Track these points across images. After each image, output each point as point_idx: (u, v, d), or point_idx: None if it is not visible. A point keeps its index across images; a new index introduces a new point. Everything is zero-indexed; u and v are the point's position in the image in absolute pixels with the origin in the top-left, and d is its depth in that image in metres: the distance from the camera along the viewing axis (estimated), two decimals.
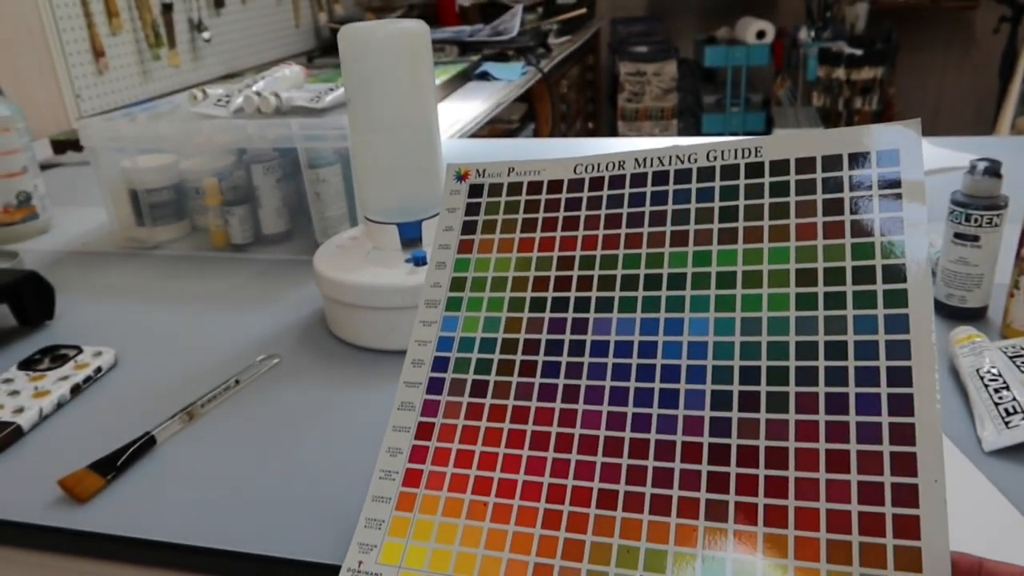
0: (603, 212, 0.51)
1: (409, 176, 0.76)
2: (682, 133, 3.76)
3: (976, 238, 0.68)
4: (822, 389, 0.40)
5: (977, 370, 0.59)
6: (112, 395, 0.68)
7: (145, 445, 0.59)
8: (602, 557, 0.40)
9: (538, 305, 0.49)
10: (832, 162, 0.45)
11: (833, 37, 3.19)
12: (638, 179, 0.51)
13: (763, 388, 0.41)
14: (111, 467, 0.57)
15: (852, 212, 0.44)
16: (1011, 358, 0.61)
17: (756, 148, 0.49)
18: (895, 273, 0.41)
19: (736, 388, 0.42)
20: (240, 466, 0.58)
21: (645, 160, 0.51)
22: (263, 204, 0.98)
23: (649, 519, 0.40)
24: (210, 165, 1.00)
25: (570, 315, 0.48)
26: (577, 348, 0.47)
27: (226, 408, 0.65)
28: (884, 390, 0.39)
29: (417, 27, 0.74)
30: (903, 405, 0.38)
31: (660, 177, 0.50)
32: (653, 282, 0.47)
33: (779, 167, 0.47)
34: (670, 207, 0.49)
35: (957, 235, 0.69)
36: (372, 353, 0.72)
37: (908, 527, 0.36)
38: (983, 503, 0.49)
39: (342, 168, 0.94)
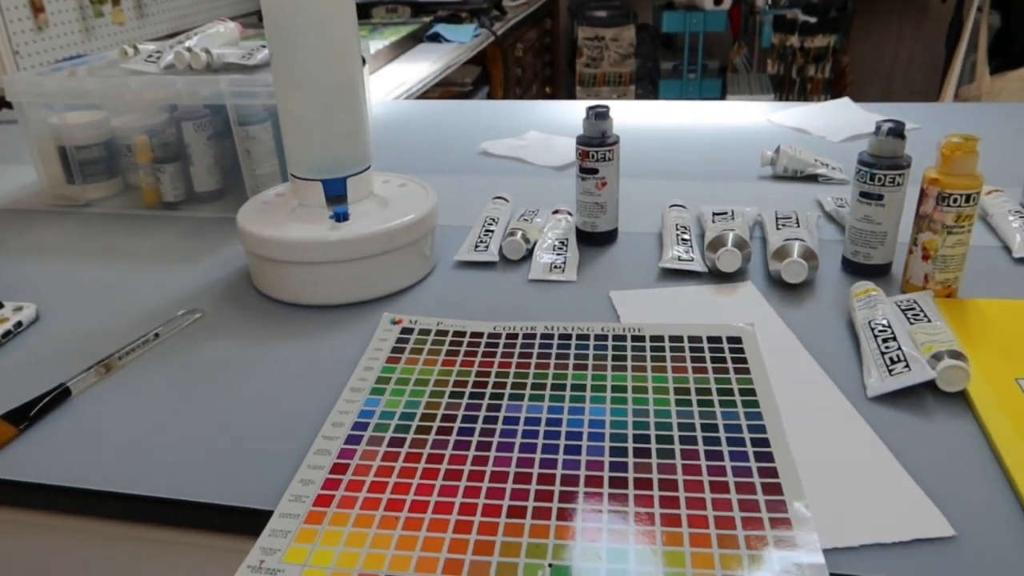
0: (516, 351, 0.63)
1: (333, 134, 0.76)
2: (640, 99, 3.76)
3: (880, 197, 0.70)
4: (701, 448, 0.52)
5: (869, 322, 0.62)
6: (31, 350, 0.68)
7: (60, 396, 0.60)
8: (512, 551, 0.44)
9: (456, 395, 0.58)
10: (695, 339, 0.64)
11: (789, 4, 3.20)
12: (547, 337, 0.65)
13: (653, 446, 0.52)
14: (24, 417, 0.57)
15: (712, 362, 0.61)
16: (903, 311, 0.64)
17: (638, 328, 0.66)
18: (748, 392, 0.57)
19: (631, 445, 0.52)
20: (156, 416, 0.59)
21: (553, 327, 0.66)
22: (195, 162, 0.97)
23: (557, 524, 0.46)
24: (141, 122, 0.99)
25: (485, 401, 0.57)
26: (490, 420, 0.55)
27: (145, 361, 0.66)
28: (750, 449, 0.51)
29: None
30: (766, 458, 0.51)
31: (565, 337, 0.65)
32: (558, 387, 0.59)
33: (656, 339, 0.64)
34: (572, 352, 0.63)
35: (863, 194, 0.71)
36: (295, 307, 0.73)
37: (782, 523, 0.46)
38: (862, 446, 0.52)
39: (272, 126, 0.93)
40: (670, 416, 0.55)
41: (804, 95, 3.06)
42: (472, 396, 0.58)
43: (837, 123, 1.22)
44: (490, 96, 2.61)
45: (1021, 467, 0.48)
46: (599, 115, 0.78)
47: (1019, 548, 0.44)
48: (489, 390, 0.59)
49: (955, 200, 0.65)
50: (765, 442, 0.52)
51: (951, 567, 0.43)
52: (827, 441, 0.52)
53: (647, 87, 3.86)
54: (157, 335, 0.68)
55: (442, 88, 2.41)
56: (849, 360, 0.61)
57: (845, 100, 1.34)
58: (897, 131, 0.69)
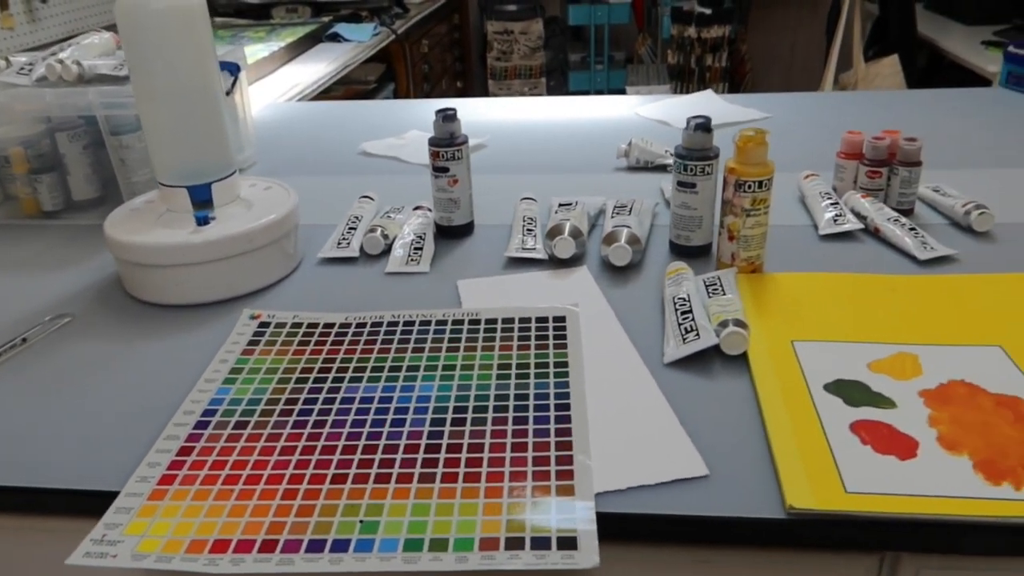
0: (363, 338, 0.70)
1: (194, 142, 0.81)
2: (552, 92, 3.85)
3: (693, 185, 0.79)
4: (511, 415, 0.59)
5: (674, 298, 0.70)
6: None
7: None
8: (330, 512, 0.51)
9: (301, 381, 0.65)
10: (525, 320, 0.71)
11: None
12: (392, 325, 0.72)
13: (469, 415, 0.59)
14: None
15: (536, 340, 0.68)
16: (707, 286, 0.72)
17: (476, 312, 0.73)
18: (561, 364, 0.65)
19: (449, 416, 0.59)
20: (22, 414, 0.63)
21: (400, 315, 0.73)
22: (71, 171, 1.00)
23: (373, 487, 0.53)
24: (17, 133, 1.01)
25: (327, 385, 0.64)
26: (329, 401, 0.62)
27: (12, 364, 0.69)
28: (552, 413, 0.59)
29: (195, 0, 0.78)
30: (564, 420, 0.58)
31: (409, 324, 0.72)
32: (395, 368, 0.65)
33: (490, 322, 0.71)
34: (413, 337, 0.70)
35: (679, 183, 0.79)
36: (162, 308, 0.78)
37: (566, 474, 0.53)
38: (648, 406, 0.59)
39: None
40: (489, 389, 0.62)
41: (703, 84, 3.18)
42: (316, 381, 0.64)
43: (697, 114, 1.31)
44: (396, 93, 2.65)
45: (773, 416, 0.57)
46: (447, 117, 0.85)
47: (759, 483, 0.52)
48: (332, 375, 0.65)
49: (750, 186, 0.73)
50: (566, 407, 0.59)
51: (700, 499, 0.51)
52: (621, 403, 0.60)
53: (558, 79, 3.95)
54: (25, 340, 0.72)
55: (346, 86, 2.44)
56: (655, 332, 0.69)
57: (708, 93, 1.43)
58: (704, 126, 0.77)
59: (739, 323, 0.64)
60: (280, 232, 0.81)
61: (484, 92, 3.91)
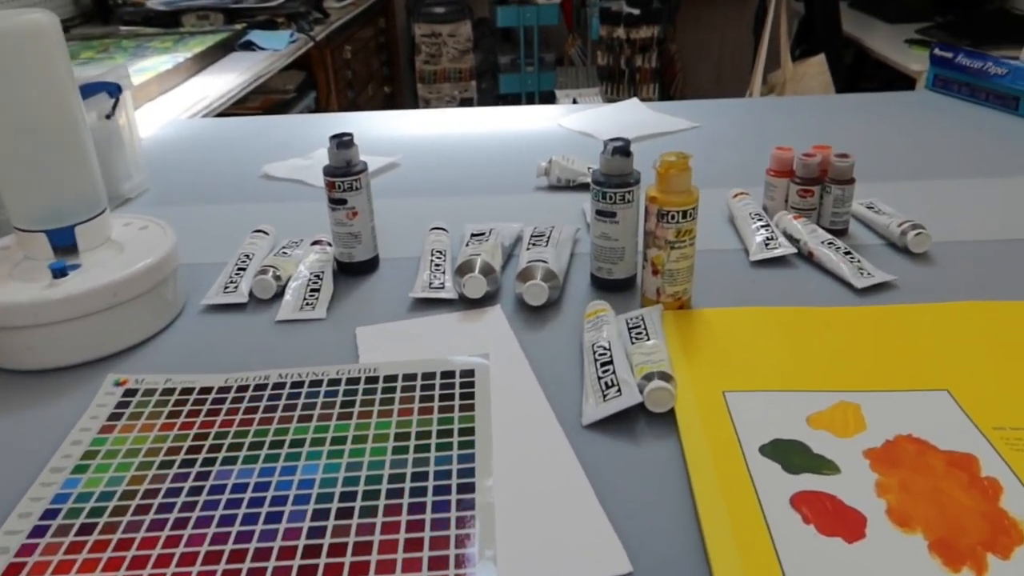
0: (243, 405, 0.61)
1: (53, 179, 0.70)
2: (483, 95, 3.77)
3: (613, 214, 0.72)
4: (406, 501, 0.51)
5: (593, 345, 0.63)
6: None
7: None
8: None
9: (166, 465, 0.55)
10: (428, 375, 0.64)
11: None
12: (278, 387, 0.63)
13: (358, 504, 0.51)
14: None
15: (439, 400, 0.60)
16: (630, 329, 0.65)
17: (375, 368, 0.65)
18: (467, 432, 0.57)
19: (335, 506, 0.51)
20: None
21: (287, 375, 0.64)
22: None
23: None
24: None
25: (195, 470, 0.55)
26: (195, 491, 0.53)
27: None
28: (454, 496, 0.51)
29: (45, 20, 0.68)
30: (467, 505, 0.50)
31: (297, 386, 0.63)
32: (276, 445, 0.57)
33: (390, 379, 0.63)
34: (301, 401, 0.61)
35: (599, 212, 0.72)
36: (10, 375, 0.67)
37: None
38: (565, 482, 0.52)
39: None
40: (383, 467, 0.53)
41: (634, 85, 3.15)
42: (183, 465, 0.55)
43: (623, 125, 1.25)
44: (317, 102, 2.54)
45: (705, 492, 0.50)
46: (342, 144, 0.76)
47: None
48: (203, 455, 0.56)
49: (673, 217, 0.67)
50: (470, 487, 0.51)
51: None
52: (534, 480, 0.52)
53: (489, 81, 3.87)
54: None
55: (264, 96, 2.33)
56: (574, 385, 0.62)
57: (633, 101, 1.38)
58: (623, 149, 0.71)
59: (664, 376, 0.58)
60: (154, 280, 0.71)
61: (413, 97, 3.81)
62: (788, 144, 0.88)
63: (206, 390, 0.63)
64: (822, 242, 0.78)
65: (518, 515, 0.49)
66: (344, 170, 0.77)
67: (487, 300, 0.74)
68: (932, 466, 0.51)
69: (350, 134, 0.77)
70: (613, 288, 0.75)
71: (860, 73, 2.99)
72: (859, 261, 0.76)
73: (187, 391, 0.63)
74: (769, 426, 0.55)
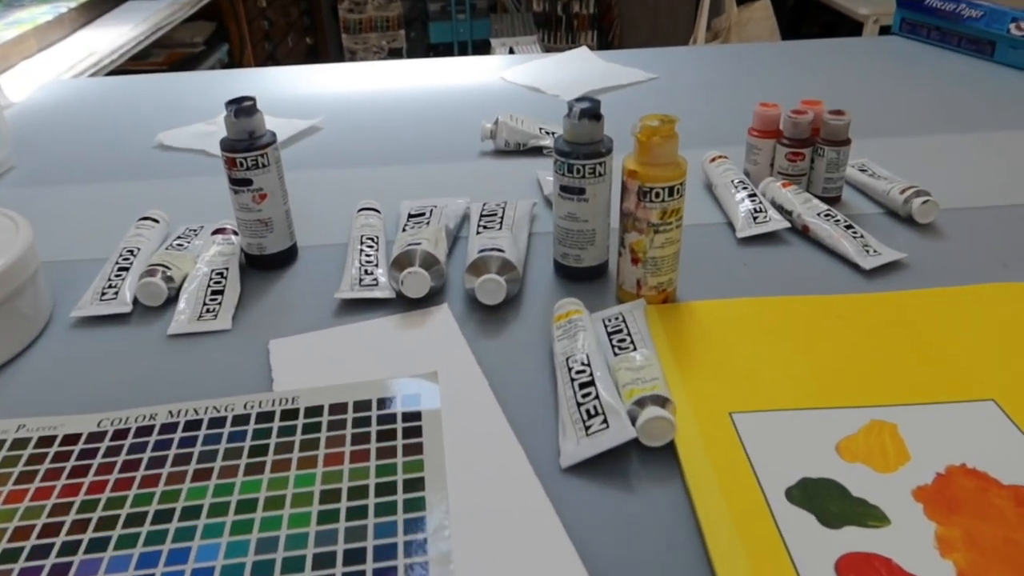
0: (120, 459, 0.47)
1: None
2: (412, 44, 3.56)
3: (581, 191, 0.59)
4: None
5: (567, 359, 0.51)
6: None
7: None
8: None
9: (9, 557, 0.41)
10: (362, 405, 0.50)
11: None
12: (168, 428, 0.50)
13: None
14: None
15: (378, 441, 0.47)
16: (610, 334, 0.53)
17: (293, 398, 0.51)
18: (414, 484, 0.44)
19: None
20: None
21: (179, 412, 0.51)
22: None
23: None
24: None
25: (50, 561, 0.41)
26: None
27: None
28: None
29: None
30: None
31: (192, 427, 0.50)
32: (163, 516, 0.43)
33: (313, 411, 0.50)
34: (197, 449, 0.48)
35: (564, 188, 0.60)
36: None
37: None
38: (545, 549, 0.40)
39: None
40: (306, 545, 0.41)
41: (571, 32, 3.00)
42: (33, 554, 0.41)
43: (573, 77, 1.12)
44: (231, 55, 2.32)
45: (724, 560, 0.39)
46: (241, 111, 0.61)
47: None
48: (62, 538, 0.42)
49: (657, 194, 0.54)
50: (424, 567, 0.39)
51: None
52: (503, 541, 0.40)
53: (419, 30, 3.66)
54: None
55: (168, 51, 2.10)
56: (547, 411, 0.50)
57: (583, 51, 1.24)
58: (592, 112, 0.58)
59: (659, 400, 0.46)
60: (3, 291, 0.56)
61: (339, 48, 3.58)
62: (756, 97, 0.76)
63: (71, 439, 0.49)
64: (818, 214, 0.68)
65: None
66: (246, 143, 0.62)
67: (431, 298, 0.61)
68: (998, 509, 0.41)
69: (252, 98, 0.62)
70: (582, 277, 0.63)
71: (802, 18, 2.91)
72: (862, 236, 0.65)
73: (46, 441, 0.49)
74: (793, 460, 0.44)
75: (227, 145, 0.62)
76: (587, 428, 0.46)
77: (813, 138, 0.72)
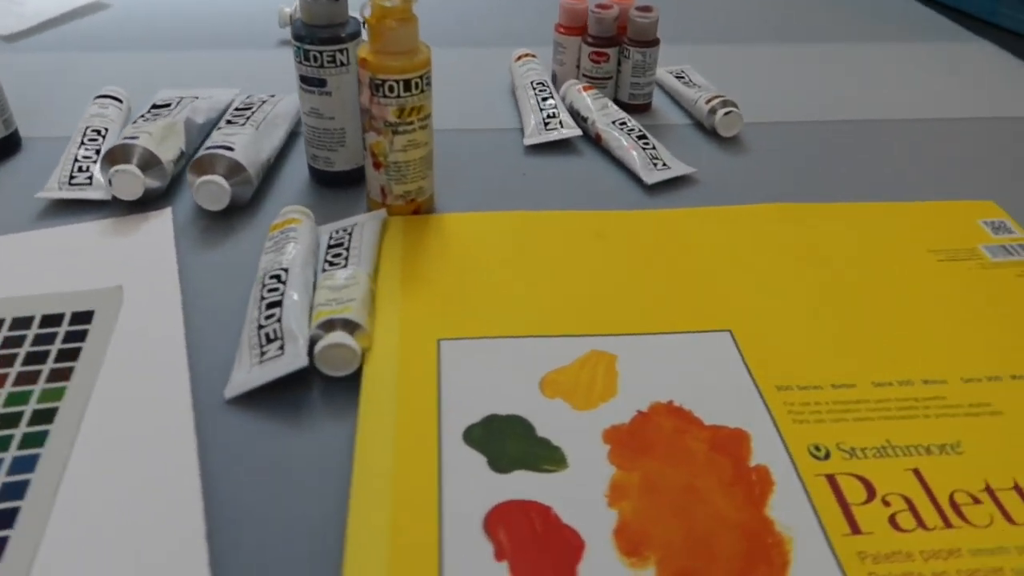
0: None
1: None
2: None
3: (323, 82, 0.52)
4: None
5: (264, 275, 0.44)
6: None
7: None
8: None
9: None
10: (22, 322, 0.44)
11: None
12: None
13: None
14: None
15: (24, 364, 0.41)
16: (330, 247, 0.47)
17: None
18: (43, 416, 0.38)
19: None
20: None
21: None
22: None
23: None
24: None
25: None
26: None
27: None
28: None
29: None
30: None
31: None
32: None
33: None
34: None
35: (304, 79, 0.52)
36: None
37: None
38: (174, 499, 0.35)
39: None
40: None
41: None
42: None
43: None
44: None
45: (361, 500, 0.34)
46: None
47: None
48: None
49: (392, 88, 0.47)
50: (10, 518, 0.33)
51: None
52: (122, 492, 0.35)
53: None
54: None
55: None
56: (236, 338, 0.44)
57: None
58: None
59: (348, 324, 0.41)
60: None
61: None
62: None
63: None
64: (613, 122, 0.62)
65: (71, 559, 0.32)
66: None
67: (155, 201, 0.54)
68: (690, 452, 0.37)
69: None
70: (335, 183, 0.57)
71: None
72: (654, 148, 0.60)
73: None
74: (489, 395, 0.40)
75: None
76: (263, 354, 0.40)
77: (619, 37, 0.66)
